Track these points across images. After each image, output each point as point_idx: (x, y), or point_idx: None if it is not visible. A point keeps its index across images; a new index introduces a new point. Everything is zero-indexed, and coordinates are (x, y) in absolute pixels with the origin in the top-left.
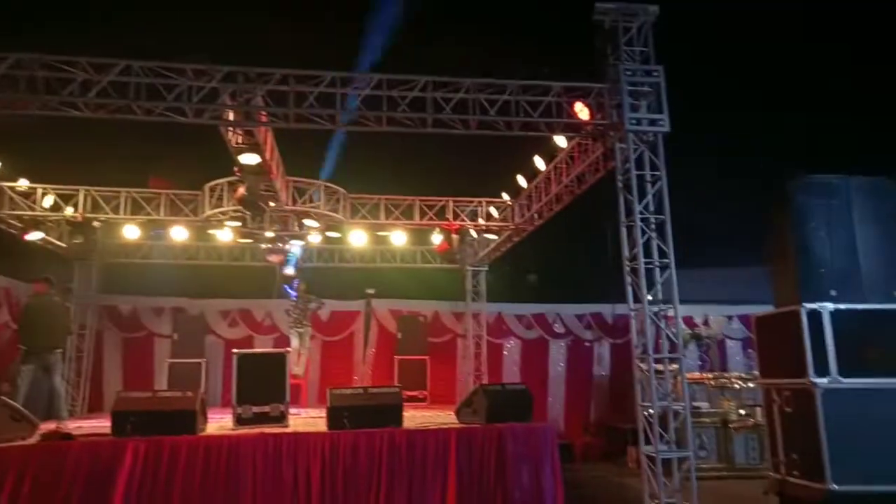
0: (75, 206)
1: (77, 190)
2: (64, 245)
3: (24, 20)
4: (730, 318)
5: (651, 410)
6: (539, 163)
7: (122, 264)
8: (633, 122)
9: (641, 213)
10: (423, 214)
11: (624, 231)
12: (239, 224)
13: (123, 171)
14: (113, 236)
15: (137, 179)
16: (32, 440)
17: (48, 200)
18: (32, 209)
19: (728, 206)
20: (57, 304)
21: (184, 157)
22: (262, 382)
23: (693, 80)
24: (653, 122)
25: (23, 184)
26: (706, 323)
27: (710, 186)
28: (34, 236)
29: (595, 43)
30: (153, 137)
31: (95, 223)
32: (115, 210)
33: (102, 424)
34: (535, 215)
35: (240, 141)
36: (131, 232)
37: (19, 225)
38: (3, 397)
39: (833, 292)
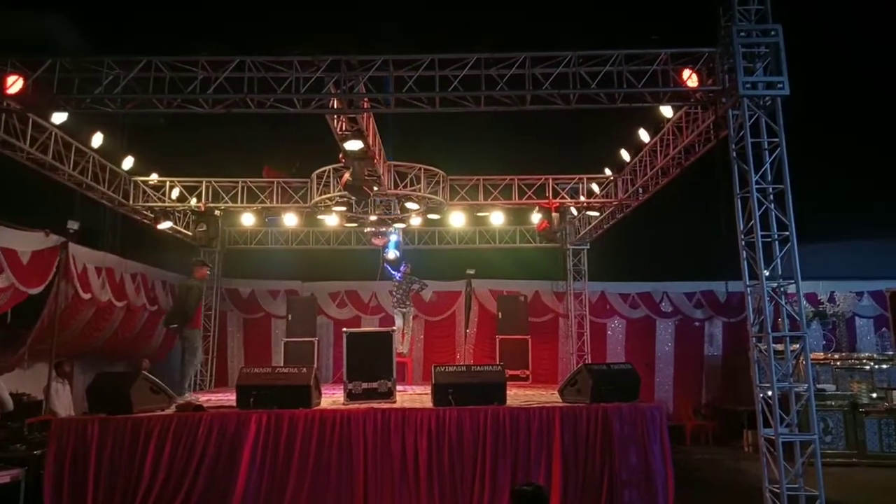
0: (198, 196)
1: (200, 182)
2: (190, 233)
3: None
4: (860, 294)
5: (770, 392)
6: (643, 135)
7: (241, 250)
8: (748, 86)
9: (758, 183)
10: (521, 193)
11: (738, 203)
12: (344, 209)
13: (240, 163)
14: (232, 224)
15: (252, 170)
16: (170, 410)
17: (175, 192)
18: (162, 201)
19: (858, 172)
20: (183, 286)
21: (294, 147)
22: (370, 360)
23: (820, 36)
24: (770, 86)
25: (153, 178)
26: (832, 300)
27: (836, 152)
28: (164, 225)
29: (705, 4)
30: (265, 129)
31: (216, 212)
32: (234, 199)
33: (228, 397)
34: (640, 190)
35: (344, 128)
36: (248, 219)
37: (151, 215)
38: (145, 372)
39: None
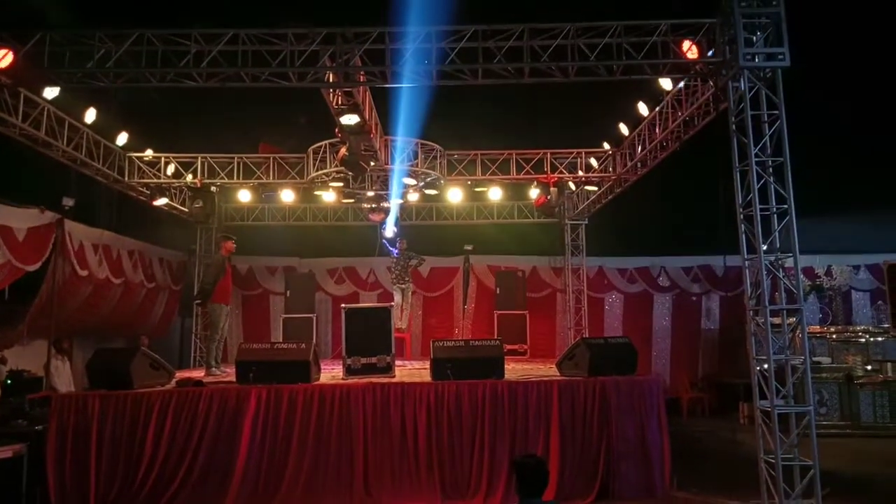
0: (194, 172)
1: (195, 157)
2: (186, 210)
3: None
4: (856, 267)
5: (766, 365)
6: (642, 109)
7: (238, 226)
8: (748, 57)
9: (757, 156)
10: (519, 168)
11: (737, 176)
12: (341, 185)
13: (235, 139)
14: (229, 200)
15: (248, 145)
16: (170, 386)
17: (170, 168)
18: (157, 177)
19: (856, 144)
20: (205, 262)
21: (290, 121)
22: (369, 335)
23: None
24: (770, 57)
25: (148, 154)
26: (829, 273)
27: (835, 124)
28: (160, 202)
29: None
30: (261, 103)
31: (213, 188)
32: (230, 175)
33: (228, 372)
34: (639, 164)
35: (340, 102)
36: (244, 196)
37: (147, 192)
38: (144, 348)
39: None
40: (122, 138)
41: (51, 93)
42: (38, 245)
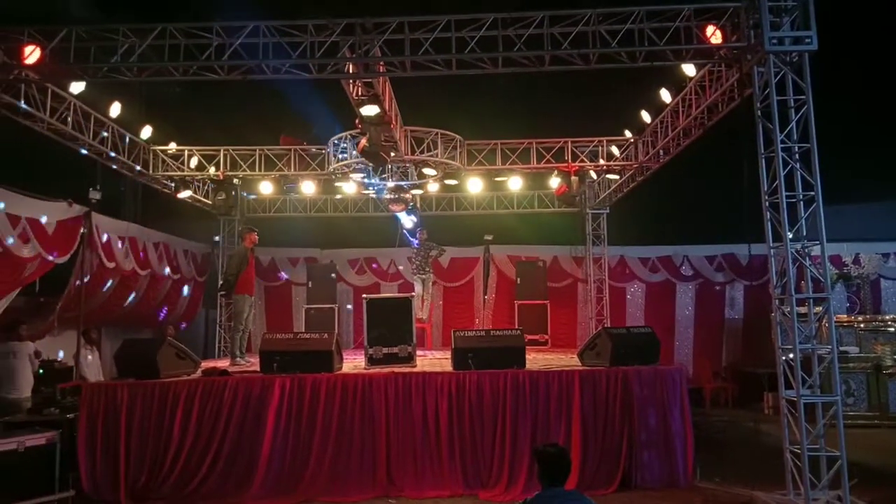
0: (217, 165)
1: (218, 150)
2: (210, 202)
3: None
4: (885, 255)
5: (792, 355)
6: (665, 95)
7: (260, 218)
8: (774, 42)
9: (783, 142)
10: (539, 157)
11: (762, 163)
12: (362, 176)
13: (257, 131)
14: (251, 192)
15: (269, 138)
16: (196, 375)
17: (194, 161)
18: (181, 169)
19: (884, 129)
20: (229, 254)
21: (310, 112)
22: (390, 325)
23: None
24: (797, 41)
25: (172, 147)
26: (857, 261)
27: (864, 108)
28: (184, 194)
29: None
30: (282, 95)
31: (235, 180)
32: (252, 167)
33: (252, 362)
34: (661, 152)
35: (360, 93)
36: (266, 187)
37: (171, 184)
38: (170, 338)
39: None
40: (146, 132)
41: (77, 87)
42: (67, 238)
